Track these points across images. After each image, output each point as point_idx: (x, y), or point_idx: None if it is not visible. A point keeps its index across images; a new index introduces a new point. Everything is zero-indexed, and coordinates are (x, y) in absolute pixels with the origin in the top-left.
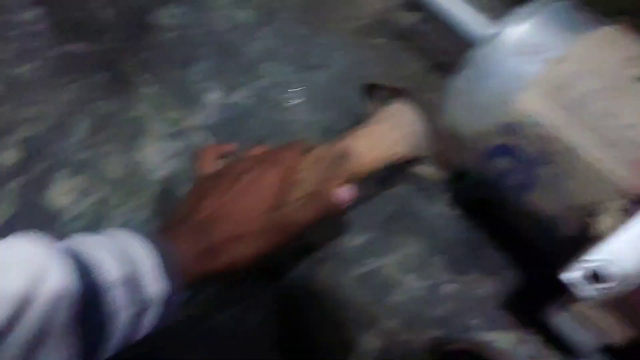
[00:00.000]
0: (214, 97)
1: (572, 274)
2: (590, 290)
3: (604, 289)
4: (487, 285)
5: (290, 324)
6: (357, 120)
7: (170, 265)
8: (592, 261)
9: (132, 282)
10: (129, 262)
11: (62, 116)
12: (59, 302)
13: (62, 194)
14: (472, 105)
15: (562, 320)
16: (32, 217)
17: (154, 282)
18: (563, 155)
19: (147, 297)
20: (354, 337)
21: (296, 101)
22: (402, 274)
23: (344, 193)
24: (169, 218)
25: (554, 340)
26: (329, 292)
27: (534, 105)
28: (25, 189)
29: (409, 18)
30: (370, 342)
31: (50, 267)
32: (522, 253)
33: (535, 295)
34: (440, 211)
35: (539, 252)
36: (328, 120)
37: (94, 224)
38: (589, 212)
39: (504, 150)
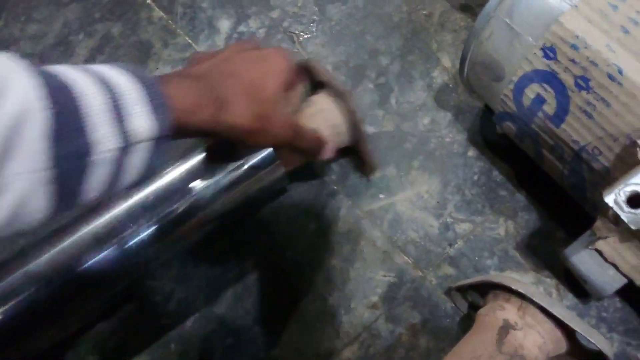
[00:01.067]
0: (223, 25)
1: (611, 197)
2: (628, 214)
3: None
4: (502, 227)
5: (298, 255)
6: (370, 57)
7: (158, 103)
8: (632, 185)
9: (114, 111)
10: (110, 90)
11: (63, 35)
12: (24, 115)
13: None
14: (512, 29)
15: (582, 260)
16: None
17: (140, 116)
18: (603, 80)
19: (132, 131)
20: (364, 271)
21: (308, 35)
22: (415, 211)
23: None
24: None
25: (570, 282)
26: (341, 225)
27: (576, 27)
28: None
29: None
30: (381, 277)
31: (14, 79)
32: (542, 194)
33: (552, 237)
34: (456, 151)
35: (565, 189)
36: (340, 56)
37: None
38: (629, 140)
39: (540, 76)
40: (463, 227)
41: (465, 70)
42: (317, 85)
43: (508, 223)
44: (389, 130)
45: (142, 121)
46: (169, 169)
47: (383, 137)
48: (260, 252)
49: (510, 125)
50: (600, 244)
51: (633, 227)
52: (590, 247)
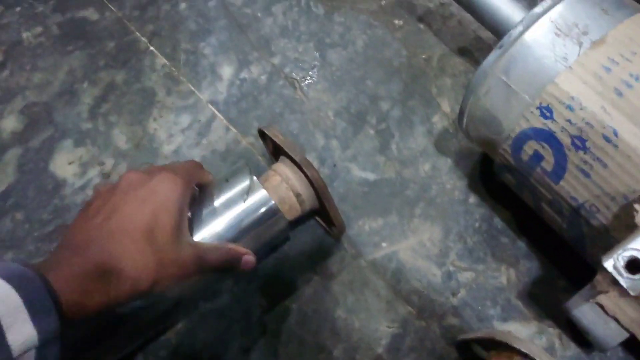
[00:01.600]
0: (225, 71)
1: (610, 262)
2: (627, 279)
3: None
4: (504, 275)
5: (302, 307)
6: (371, 103)
7: (40, 308)
8: (630, 250)
9: None
10: None
11: (67, 84)
12: None
13: (66, 163)
14: (510, 87)
15: (583, 313)
16: (35, 185)
17: (22, 326)
18: (599, 141)
19: (14, 344)
20: (368, 322)
21: (309, 80)
22: (418, 259)
23: (250, 255)
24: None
25: (572, 332)
26: (345, 275)
27: (571, 88)
28: (27, 157)
29: (427, 0)
30: (385, 328)
31: None
32: (543, 242)
33: (554, 286)
34: (457, 198)
35: (566, 241)
36: (341, 102)
37: None
38: (625, 201)
39: (538, 133)
40: (465, 276)
41: (465, 122)
42: (279, 150)
43: (510, 271)
44: (390, 177)
45: (25, 331)
46: None
47: (384, 184)
48: (265, 304)
49: (509, 177)
50: (602, 298)
51: (632, 293)
52: (591, 301)
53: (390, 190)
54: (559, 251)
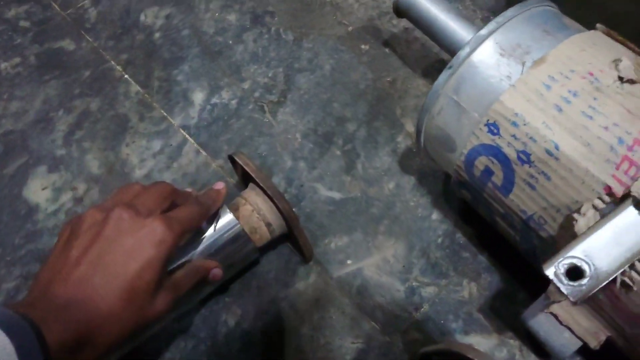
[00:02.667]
0: (197, 97)
1: (551, 269)
2: (567, 286)
3: (580, 285)
4: (466, 289)
5: (268, 325)
6: (338, 124)
7: (30, 352)
8: (570, 257)
9: None
10: None
11: (42, 112)
12: None
13: (39, 189)
14: (460, 105)
15: (539, 323)
16: (8, 211)
17: None
18: (542, 155)
19: None
20: (333, 339)
21: (278, 104)
22: (382, 276)
23: (217, 268)
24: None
25: (532, 343)
26: (311, 293)
27: (515, 105)
28: (2, 183)
29: (393, 26)
30: (350, 344)
31: None
32: (503, 255)
33: (514, 299)
34: (420, 215)
35: (521, 253)
36: (309, 124)
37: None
38: (569, 211)
39: (487, 149)
40: (428, 291)
41: (422, 141)
42: (249, 176)
43: (471, 285)
44: (355, 195)
45: None
46: None
47: (350, 202)
48: (232, 323)
49: (465, 192)
50: (555, 308)
51: (572, 299)
52: (545, 311)
53: (355, 209)
54: (518, 264)
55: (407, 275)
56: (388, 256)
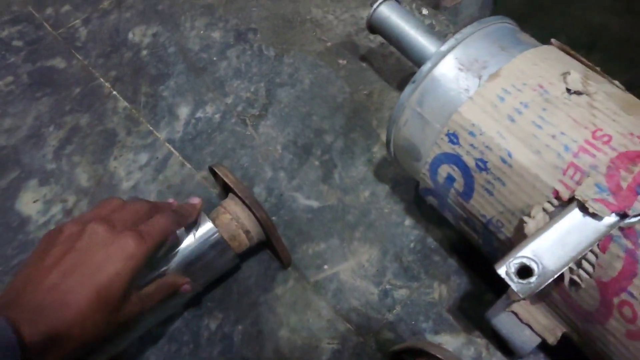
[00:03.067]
0: (182, 112)
1: (503, 269)
2: (517, 284)
3: (528, 283)
4: (436, 291)
5: (248, 328)
6: (316, 136)
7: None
8: (520, 257)
9: None
10: None
11: (34, 128)
12: None
13: (30, 202)
14: (423, 117)
15: (501, 321)
16: (2, 222)
17: None
18: (497, 162)
19: None
20: (310, 340)
21: (259, 117)
22: (357, 279)
23: (187, 285)
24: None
25: (498, 342)
26: (289, 297)
27: (472, 116)
28: None
29: (369, 41)
30: (326, 344)
31: None
32: (471, 258)
33: (482, 300)
34: (394, 221)
35: (484, 255)
36: (289, 136)
37: None
38: (523, 215)
39: (448, 158)
40: (401, 293)
41: (392, 150)
42: (229, 187)
43: (442, 287)
44: (332, 204)
45: None
46: None
47: (327, 210)
48: (214, 327)
49: (432, 199)
50: (515, 307)
51: (521, 296)
52: (507, 310)
53: (332, 216)
54: (485, 267)
55: (380, 279)
56: (363, 261)
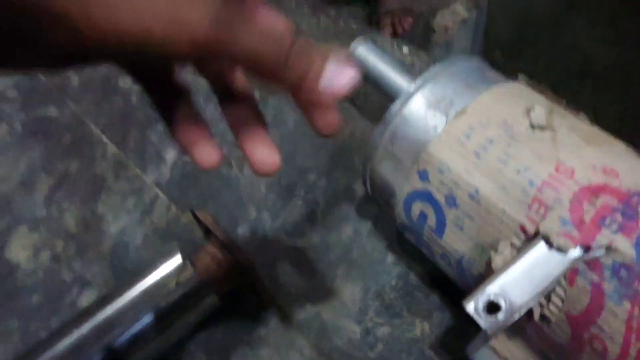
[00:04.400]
0: (169, 155)
1: (471, 305)
2: (485, 320)
3: (496, 319)
4: (418, 327)
5: None
6: (300, 175)
7: None
8: (487, 293)
9: None
10: None
11: (25, 176)
12: None
13: (20, 248)
14: (395, 155)
15: (481, 356)
16: None
17: None
18: (465, 199)
19: None
20: None
21: (244, 159)
22: (339, 318)
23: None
24: None
25: None
26: (272, 337)
27: (440, 154)
28: None
29: None
30: None
31: None
32: (453, 293)
33: (464, 334)
34: (376, 259)
35: (464, 290)
36: (272, 176)
37: (48, 277)
38: (492, 250)
39: (420, 195)
40: (383, 331)
41: (369, 189)
42: (209, 232)
43: (424, 323)
44: (315, 242)
45: None
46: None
47: (310, 249)
48: None
49: (409, 235)
50: (493, 342)
51: (489, 333)
52: (485, 345)
53: (315, 255)
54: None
55: (363, 317)
56: (345, 299)
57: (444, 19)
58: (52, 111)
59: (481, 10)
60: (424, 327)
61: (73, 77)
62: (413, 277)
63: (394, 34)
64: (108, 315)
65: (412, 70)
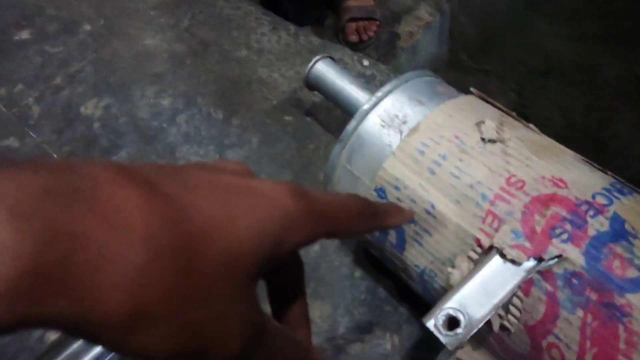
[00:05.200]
0: None
1: (431, 322)
2: (445, 336)
3: (456, 334)
4: (389, 341)
5: None
6: None
7: None
8: (446, 309)
9: None
10: None
11: None
12: None
13: None
14: (353, 174)
15: None
16: None
17: None
18: (422, 214)
19: None
20: None
21: None
22: None
23: None
24: None
25: None
26: None
27: (395, 171)
28: None
29: (314, 95)
30: None
31: None
32: (421, 305)
33: (433, 346)
34: (344, 274)
35: (428, 302)
36: None
37: None
38: (451, 264)
39: None
40: (353, 347)
41: None
42: None
43: (394, 337)
44: None
45: None
46: None
47: None
48: None
49: (373, 251)
50: (459, 353)
51: (450, 348)
52: (452, 356)
53: None
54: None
55: (333, 334)
56: (314, 317)
57: (408, 25)
58: (12, 142)
59: (444, 14)
60: (394, 340)
61: (34, 107)
62: (381, 291)
63: (360, 41)
64: None
65: (372, 83)
